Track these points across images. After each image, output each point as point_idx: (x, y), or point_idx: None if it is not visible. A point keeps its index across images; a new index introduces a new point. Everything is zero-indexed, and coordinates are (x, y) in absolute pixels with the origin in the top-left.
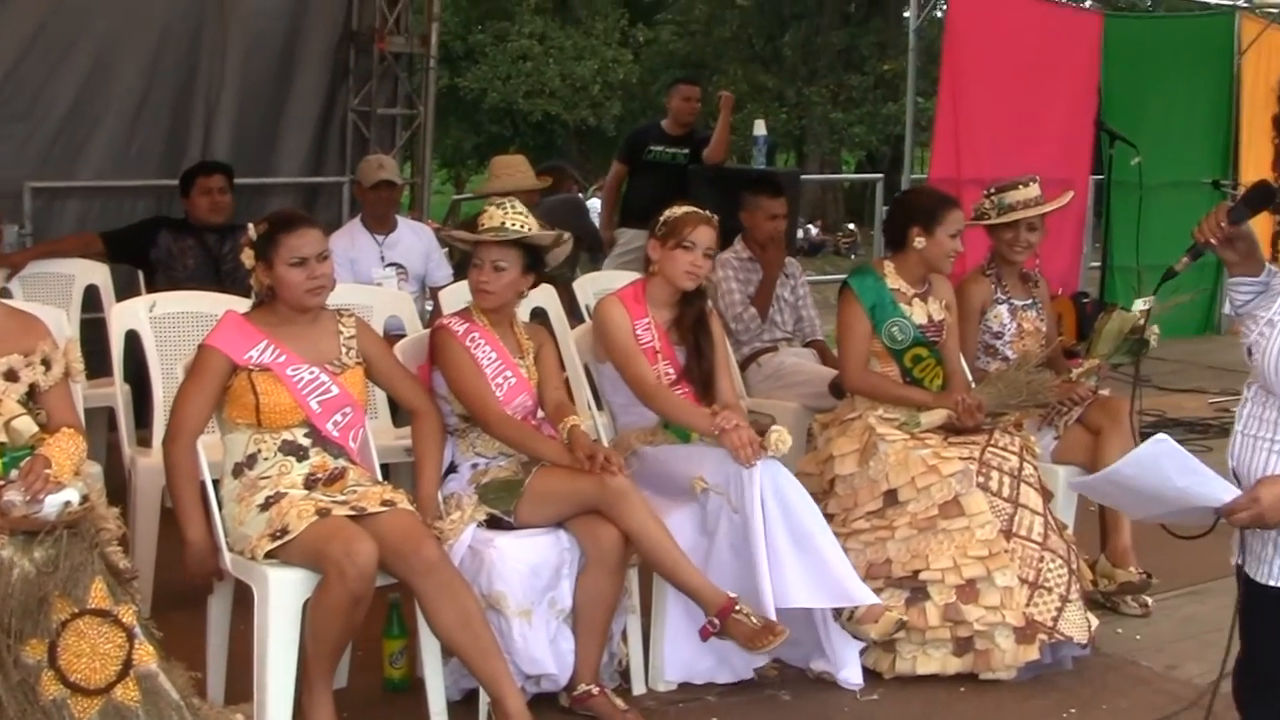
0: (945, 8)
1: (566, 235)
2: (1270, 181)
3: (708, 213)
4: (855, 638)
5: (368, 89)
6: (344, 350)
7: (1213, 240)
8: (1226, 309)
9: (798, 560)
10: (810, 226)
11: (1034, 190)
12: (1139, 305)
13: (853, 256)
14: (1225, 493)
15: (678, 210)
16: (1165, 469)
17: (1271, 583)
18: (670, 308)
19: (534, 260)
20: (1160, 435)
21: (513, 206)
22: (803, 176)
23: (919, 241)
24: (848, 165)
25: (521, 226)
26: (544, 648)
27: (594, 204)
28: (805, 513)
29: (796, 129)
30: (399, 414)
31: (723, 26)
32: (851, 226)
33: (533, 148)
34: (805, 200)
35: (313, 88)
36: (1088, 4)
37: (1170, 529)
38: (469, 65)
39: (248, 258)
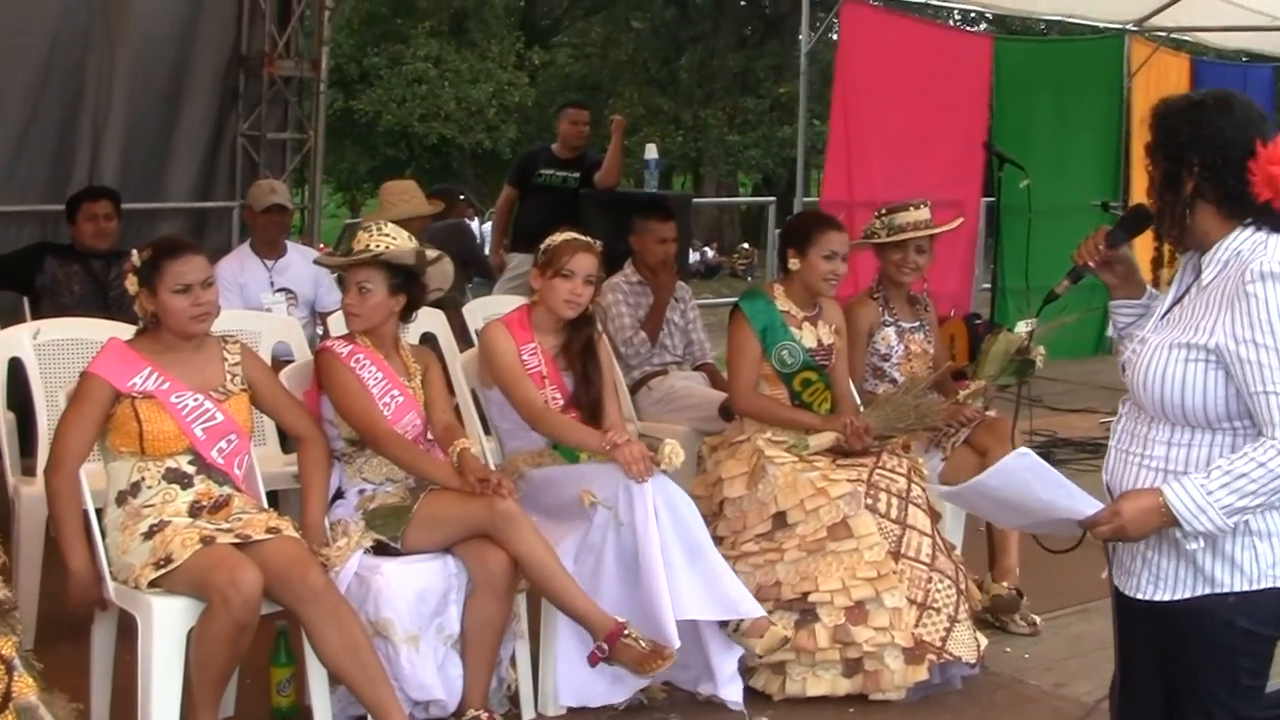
0: (838, 31)
1: (434, 254)
2: (1147, 205)
3: (588, 239)
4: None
5: (257, 113)
6: (229, 377)
7: (1091, 263)
8: (1110, 331)
9: (689, 573)
10: (707, 249)
11: (924, 213)
12: (1021, 327)
13: (750, 279)
14: (1087, 506)
15: (557, 238)
16: (1029, 482)
17: (1139, 595)
18: (556, 334)
19: (405, 281)
20: (1023, 449)
21: (379, 229)
22: (696, 200)
23: (794, 263)
24: (744, 188)
25: (385, 247)
26: (432, 674)
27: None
28: (694, 525)
29: (693, 151)
30: (288, 440)
31: (619, 50)
32: (746, 246)
33: (428, 171)
34: (702, 223)
35: (202, 112)
36: (982, 27)
37: (1041, 541)
38: (364, 88)
39: (131, 284)
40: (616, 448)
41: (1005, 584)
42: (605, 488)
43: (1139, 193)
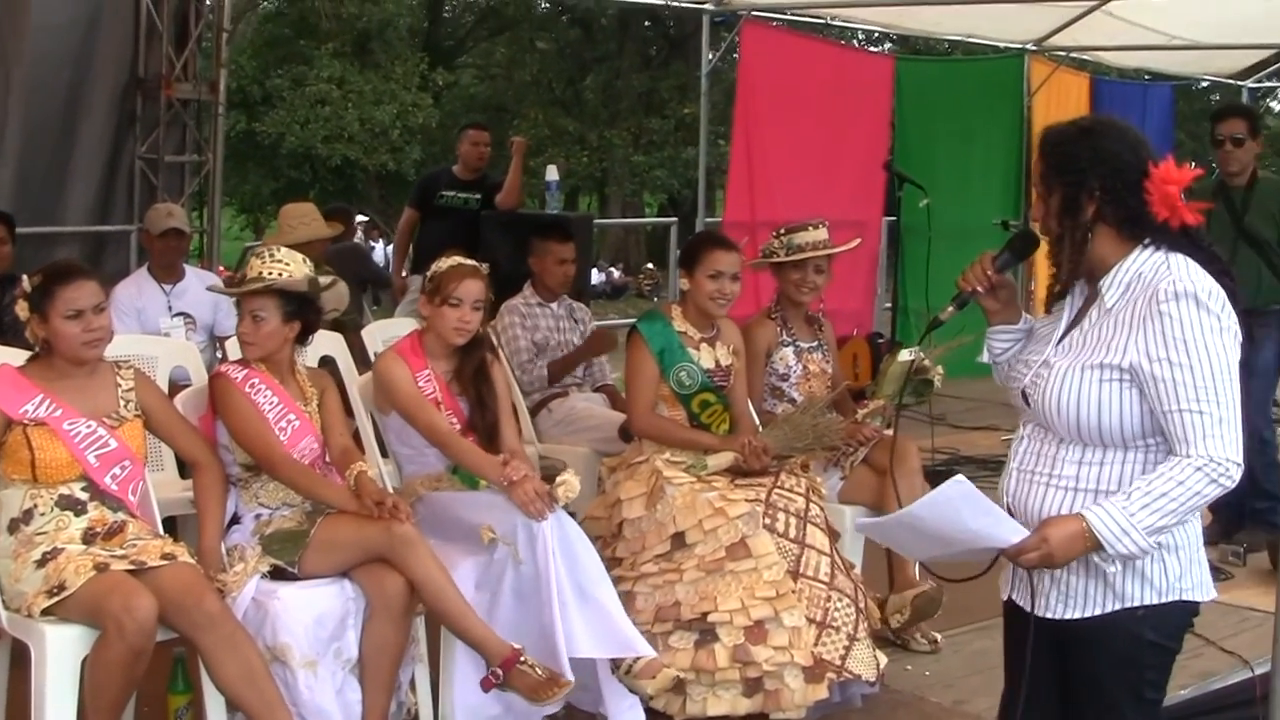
0: (739, 51)
1: (327, 279)
2: (1034, 229)
3: (473, 264)
4: (632, 692)
5: (155, 136)
6: (122, 403)
7: (980, 289)
8: (985, 357)
9: (581, 611)
10: (612, 269)
11: (822, 233)
12: (905, 355)
13: (655, 299)
14: (1014, 534)
15: (443, 265)
16: (960, 511)
17: (1049, 615)
18: (449, 358)
19: (298, 308)
20: (959, 477)
21: (271, 255)
22: (602, 220)
23: (683, 284)
24: (650, 208)
25: (279, 275)
26: (330, 699)
27: None
28: (589, 563)
29: (598, 172)
30: (186, 466)
31: (523, 70)
32: (651, 266)
33: (332, 193)
34: (608, 243)
35: (99, 134)
36: (885, 47)
37: (937, 571)
38: (267, 110)
39: (22, 310)
40: (513, 485)
41: (930, 582)
42: (504, 523)
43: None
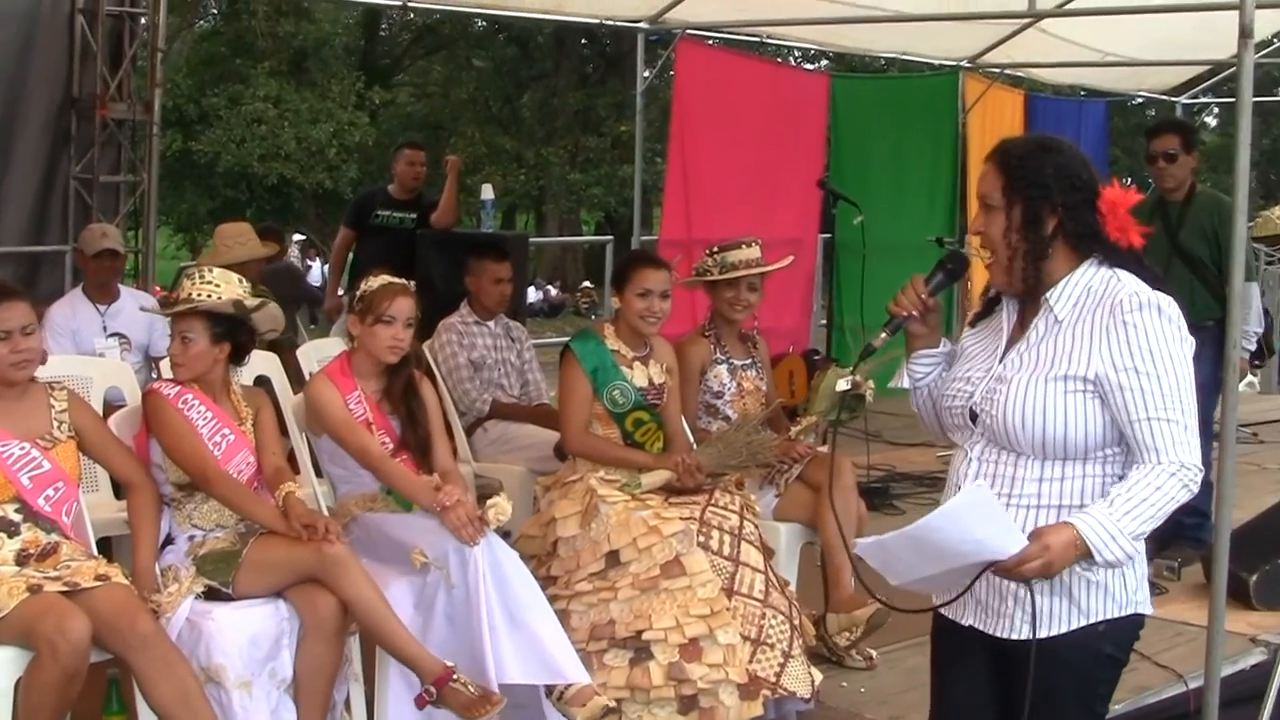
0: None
1: (254, 301)
2: (969, 249)
3: (403, 282)
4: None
5: (90, 156)
6: (55, 424)
7: (914, 313)
8: (904, 382)
9: (511, 636)
10: (550, 287)
11: (755, 251)
12: (841, 384)
13: (593, 317)
14: (1016, 544)
15: (373, 284)
16: (974, 519)
17: (1013, 636)
18: (378, 378)
19: (228, 329)
20: (978, 483)
21: (201, 276)
22: (539, 239)
23: (615, 302)
24: (588, 226)
25: (207, 296)
26: (266, 719)
27: None
28: (521, 587)
29: (535, 190)
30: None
31: (460, 88)
32: (589, 285)
33: (269, 212)
34: (545, 261)
35: (33, 155)
36: (822, 64)
37: (891, 605)
38: (203, 129)
39: None
40: (445, 511)
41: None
42: (436, 546)
43: None
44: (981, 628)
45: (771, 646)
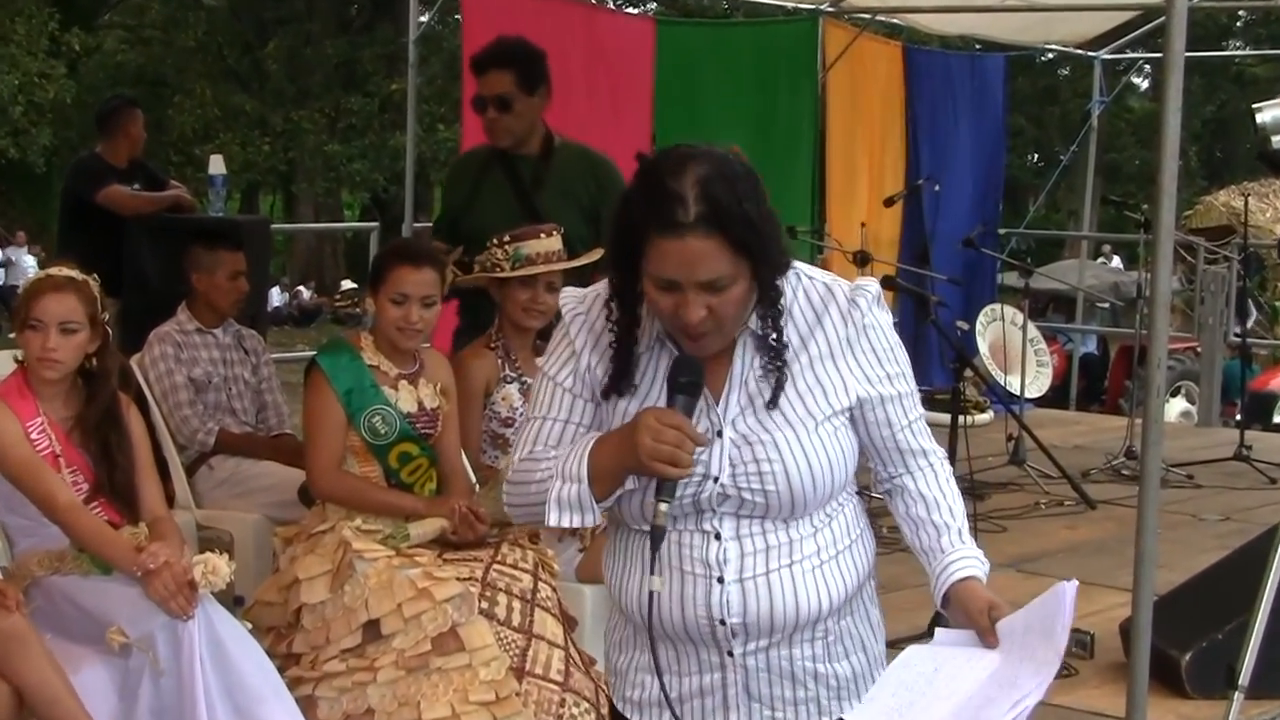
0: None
1: None
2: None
3: (68, 274)
4: None
5: None
6: None
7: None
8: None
9: None
10: (301, 288)
11: (556, 242)
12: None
13: (359, 326)
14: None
15: (27, 284)
16: (1062, 613)
17: None
18: (67, 400)
19: None
20: (1073, 580)
21: None
22: (281, 225)
23: (369, 305)
24: (350, 210)
25: None
26: None
27: None
28: (251, 672)
29: (284, 164)
30: None
31: (186, 33)
32: (351, 284)
33: None
34: (296, 254)
35: None
36: (650, 8)
37: None
38: None
39: None
40: (149, 576)
41: None
42: (139, 621)
43: (838, 212)
44: None
45: None
